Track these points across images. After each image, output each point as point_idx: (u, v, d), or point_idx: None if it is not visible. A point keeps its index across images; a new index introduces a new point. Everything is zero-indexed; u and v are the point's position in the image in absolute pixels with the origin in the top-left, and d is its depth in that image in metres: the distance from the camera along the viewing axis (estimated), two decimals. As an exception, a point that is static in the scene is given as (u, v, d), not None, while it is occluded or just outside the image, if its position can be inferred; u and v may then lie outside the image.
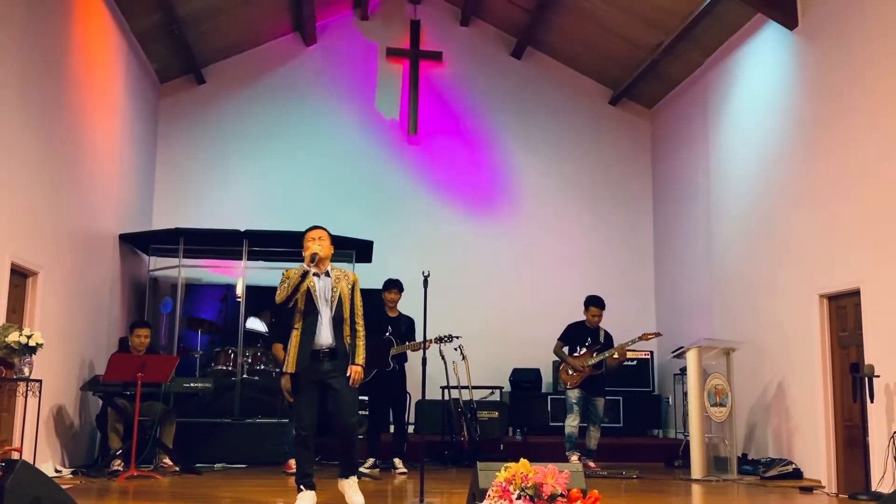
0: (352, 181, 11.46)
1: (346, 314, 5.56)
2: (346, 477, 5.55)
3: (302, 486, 5.44)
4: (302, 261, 5.54)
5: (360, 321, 5.62)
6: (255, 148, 11.41)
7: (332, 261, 5.71)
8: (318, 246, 5.52)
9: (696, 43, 10.02)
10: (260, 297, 10.26)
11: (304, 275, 5.46)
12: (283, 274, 5.58)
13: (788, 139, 8.46)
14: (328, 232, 5.71)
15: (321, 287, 5.53)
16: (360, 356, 5.56)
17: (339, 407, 5.49)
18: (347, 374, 5.50)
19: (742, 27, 9.37)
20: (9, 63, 6.35)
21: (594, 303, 8.64)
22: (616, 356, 8.43)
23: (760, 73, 9.09)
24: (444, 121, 11.88)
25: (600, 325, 8.67)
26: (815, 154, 7.94)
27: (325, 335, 5.47)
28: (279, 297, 5.50)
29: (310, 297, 5.49)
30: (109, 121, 9.02)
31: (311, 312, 5.48)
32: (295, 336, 5.50)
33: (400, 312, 8.21)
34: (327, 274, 5.58)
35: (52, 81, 7.31)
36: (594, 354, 8.46)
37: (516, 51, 12.03)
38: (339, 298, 5.54)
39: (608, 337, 8.64)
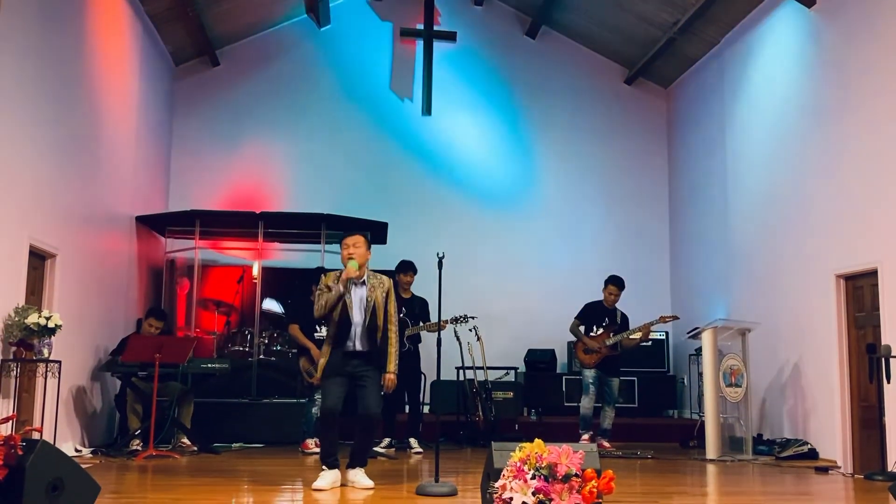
0: (366, 162, 11.45)
1: (380, 322, 5.68)
2: (354, 467, 5.64)
3: (325, 466, 5.55)
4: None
5: (392, 328, 5.74)
6: (269, 129, 11.42)
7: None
8: (353, 262, 5.57)
9: (712, 21, 9.92)
10: (276, 279, 10.32)
11: (340, 297, 5.57)
12: (321, 279, 5.71)
13: (806, 118, 8.39)
14: (366, 238, 5.76)
15: (357, 297, 5.64)
16: (392, 363, 5.71)
17: (365, 396, 5.61)
18: (381, 382, 5.66)
19: (759, 5, 9.27)
20: (24, 47, 6.38)
21: (612, 282, 8.66)
22: (634, 337, 8.43)
23: (778, 51, 9.00)
24: (458, 101, 11.84)
25: (617, 306, 8.67)
26: (833, 133, 7.87)
27: (358, 343, 5.62)
28: (317, 312, 5.66)
29: (345, 307, 5.60)
30: (125, 103, 9.05)
31: (345, 322, 5.60)
32: (327, 345, 5.68)
33: (413, 294, 8.24)
34: (363, 283, 5.69)
35: (68, 64, 7.33)
36: (612, 335, 8.46)
37: (531, 30, 11.95)
38: (374, 308, 5.65)
39: (624, 318, 8.65)
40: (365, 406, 5.61)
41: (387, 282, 5.80)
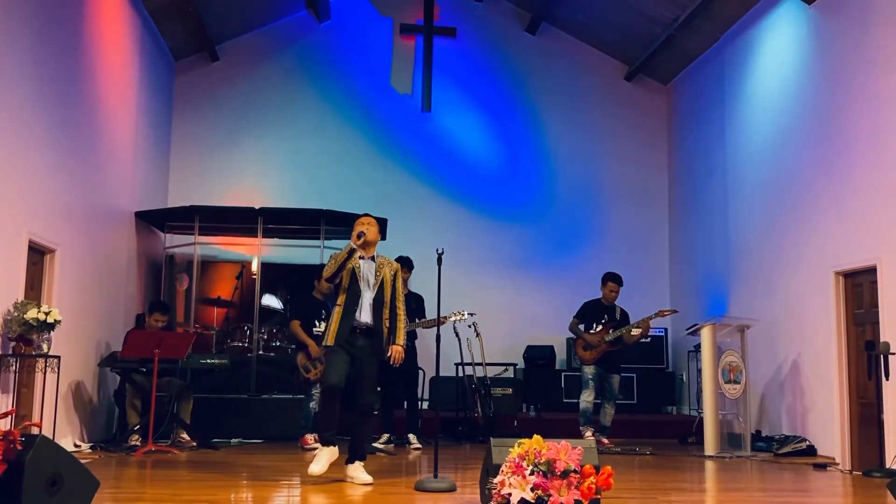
0: (366, 158, 11.44)
1: (387, 298, 5.80)
2: (353, 461, 5.66)
3: (321, 443, 5.63)
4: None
5: (400, 305, 5.87)
6: (269, 125, 11.41)
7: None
8: (364, 230, 5.76)
9: (712, 17, 9.91)
10: (275, 275, 10.32)
11: (351, 252, 5.69)
12: (331, 255, 5.85)
13: (806, 114, 8.39)
14: (377, 220, 5.99)
15: (365, 269, 5.77)
16: (401, 337, 5.81)
17: (362, 383, 5.69)
18: (386, 355, 5.74)
19: (759, 1, 9.26)
20: (23, 42, 6.37)
21: (612, 279, 8.66)
22: (634, 332, 8.44)
23: (778, 47, 8.99)
24: (458, 97, 11.83)
25: (616, 302, 8.68)
26: (833, 130, 7.87)
27: (365, 314, 5.71)
28: (327, 272, 5.77)
29: (354, 277, 5.73)
30: (124, 98, 9.04)
31: (354, 291, 5.72)
32: (337, 312, 5.73)
33: (409, 290, 8.24)
34: (372, 259, 5.83)
35: (67, 59, 7.33)
36: (611, 332, 8.47)
37: (531, 26, 11.94)
38: (382, 282, 5.79)
39: (624, 314, 8.65)
40: (360, 396, 5.67)
41: (395, 264, 5.98)
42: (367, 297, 5.72)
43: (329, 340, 5.67)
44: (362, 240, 5.70)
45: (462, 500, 5.00)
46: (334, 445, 5.60)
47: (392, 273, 5.85)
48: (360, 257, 5.76)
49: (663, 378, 10.89)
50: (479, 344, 8.63)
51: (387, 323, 5.78)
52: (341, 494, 5.21)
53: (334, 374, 5.59)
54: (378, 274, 5.78)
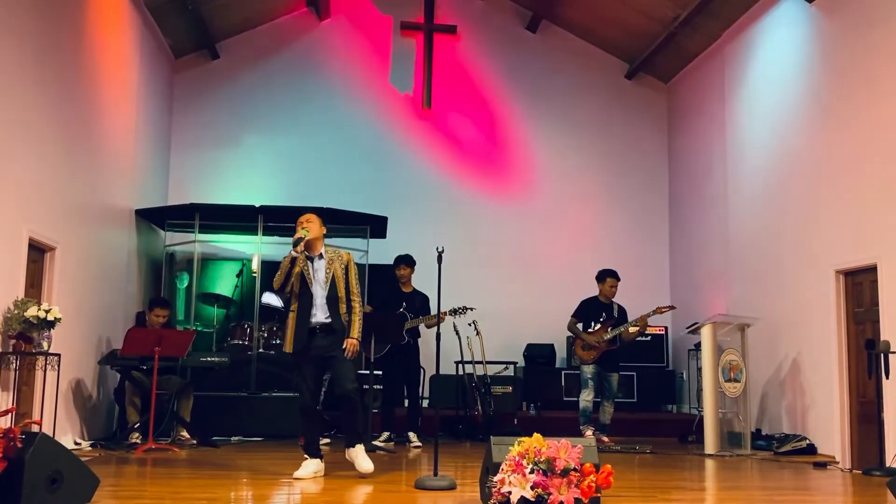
0: (366, 156, 11.44)
1: (341, 293, 5.80)
2: (353, 445, 5.73)
3: (306, 455, 5.72)
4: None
5: (356, 298, 5.86)
6: (269, 123, 11.41)
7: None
8: (304, 230, 5.75)
9: (713, 16, 9.90)
10: (275, 273, 10.30)
11: (293, 261, 5.70)
12: (282, 259, 5.84)
13: (806, 113, 8.38)
14: (317, 214, 5.97)
15: (314, 269, 5.78)
16: (356, 330, 5.80)
17: (337, 375, 5.74)
18: (344, 347, 5.74)
19: (760, 0, 9.25)
20: (24, 38, 6.36)
21: (610, 274, 8.66)
22: (632, 330, 8.44)
23: (778, 46, 8.99)
24: (458, 95, 11.82)
25: (614, 299, 8.68)
26: (833, 129, 7.87)
27: (320, 314, 5.73)
28: (276, 283, 5.78)
29: (304, 280, 5.74)
30: (124, 96, 9.03)
31: (306, 294, 5.74)
32: (291, 318, 5.76)
33: (414, 288, 8.25)
34: (321, 256, 5.82)
35: (67, 57, 7.32)
36: (609, 330, 8.47)
37: (531, 24, 11.93)
38: (333, 279, 5.78)
39: (622, 311, 8.66)
40: (339, 385, 5.71)
41: (345, 255, 5.94)
42: (320, 296, 5.72)
43: (288, 347, 5.71)
44: (300, 245, 5.69)
45: (462, 498, 4.99)
46: (320, 458, 5.74)
47: (343, 267, 5.84)
48: (307, 257, 5.76)
49: (663, 376, 10.88)
50: (480, 342, 8.63)
51: (346, 317, 5.78)
52: (341, 494, 5.21)
53: (303, 396, 5.71)
54: (328, 270, 5.78)
